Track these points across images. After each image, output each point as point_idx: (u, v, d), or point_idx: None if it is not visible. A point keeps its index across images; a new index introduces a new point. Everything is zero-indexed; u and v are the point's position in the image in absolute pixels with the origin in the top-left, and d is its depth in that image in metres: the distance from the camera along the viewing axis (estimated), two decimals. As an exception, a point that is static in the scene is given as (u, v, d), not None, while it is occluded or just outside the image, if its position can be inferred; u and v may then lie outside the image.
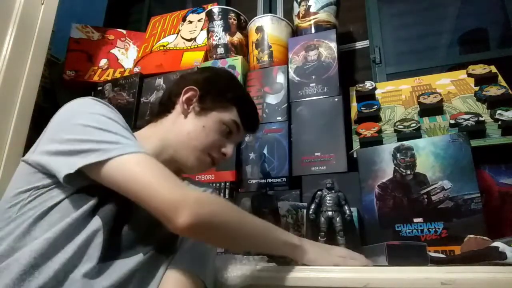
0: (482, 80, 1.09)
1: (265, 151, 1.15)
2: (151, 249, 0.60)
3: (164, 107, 0.78)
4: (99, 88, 1.46)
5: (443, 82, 1.15)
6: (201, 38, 1.46)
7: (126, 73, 1.52)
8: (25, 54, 1.07)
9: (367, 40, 1.42)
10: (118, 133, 0.56)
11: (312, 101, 1.16)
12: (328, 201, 0.85)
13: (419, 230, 0.81)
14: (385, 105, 1.16)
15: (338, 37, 1.24)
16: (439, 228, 0.79)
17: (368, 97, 1.20)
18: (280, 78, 1.24)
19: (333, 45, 1.21)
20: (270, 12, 1.57)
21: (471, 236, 0.69)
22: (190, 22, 1.56)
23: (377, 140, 1.04)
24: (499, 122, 0.94)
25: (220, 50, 1.34)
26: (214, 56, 1.35)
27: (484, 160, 0.89)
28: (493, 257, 0.57)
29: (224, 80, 0.81)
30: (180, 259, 0.62)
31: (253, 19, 1.36)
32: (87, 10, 1.88)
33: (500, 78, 1.08)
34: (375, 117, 1.12)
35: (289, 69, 1.24)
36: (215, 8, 1.39)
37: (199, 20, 1.54)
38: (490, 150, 0.91)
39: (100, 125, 0.56)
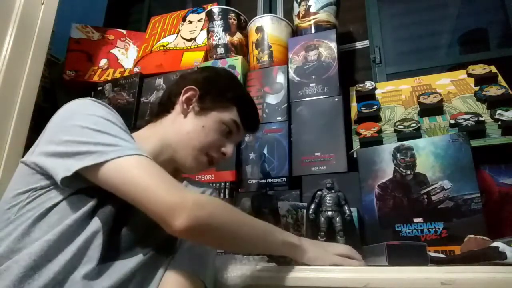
0: (482, 80, 1.09)
1: (265, 151, 1.15)
2: (151, 250, 0.60)
3: (164, 107, 0.78)
4: (99, 88, 1.46)
5: (443, 82, 1.15)
6: (201, 38, 1.46)
7: (126, 73, 1.52)
8: (25, 54, 1.07)
9: (367, 40, 1.42)
10: (116, 135, 0.56)
11: (312, 101, 1.16)
12: (328, 201, 0.85)
13: (419, 230, 0.80)
14: (385, 105, 1.16)
15: (338, 37, 1.24)
16: (439, 228, 0.79)
17: (368, 97, 1.20)
18: (280, 78, 1.24)
19: (333, 45, 1.20)
20: (270, 12, 1.57)
21: (471, 236, 0.68)
22: (190, 22, 1.56)
23: (377, 140, 1.03)
24: (499, 122, 0.94)
25: (220, 50, 1.34)
26: (214, 56, 1.35)
27: (484, 160, 0.88)
28: (493, 257, 0.57)
29: (224, 79, 0.81)
30: (180, 260, 0.62)
31: (253, 19, 1.36)
32: (87, 10, 1.88)
33: (500, 78, 1.08)
34: (375, 117, 1.12)
35: (289, 69, 1.23)
36: (215, 8, 1.39)
37: (199, 20, 1.54)
38: (490, 150, 0.91)
39: (98, 127, 0.56)
